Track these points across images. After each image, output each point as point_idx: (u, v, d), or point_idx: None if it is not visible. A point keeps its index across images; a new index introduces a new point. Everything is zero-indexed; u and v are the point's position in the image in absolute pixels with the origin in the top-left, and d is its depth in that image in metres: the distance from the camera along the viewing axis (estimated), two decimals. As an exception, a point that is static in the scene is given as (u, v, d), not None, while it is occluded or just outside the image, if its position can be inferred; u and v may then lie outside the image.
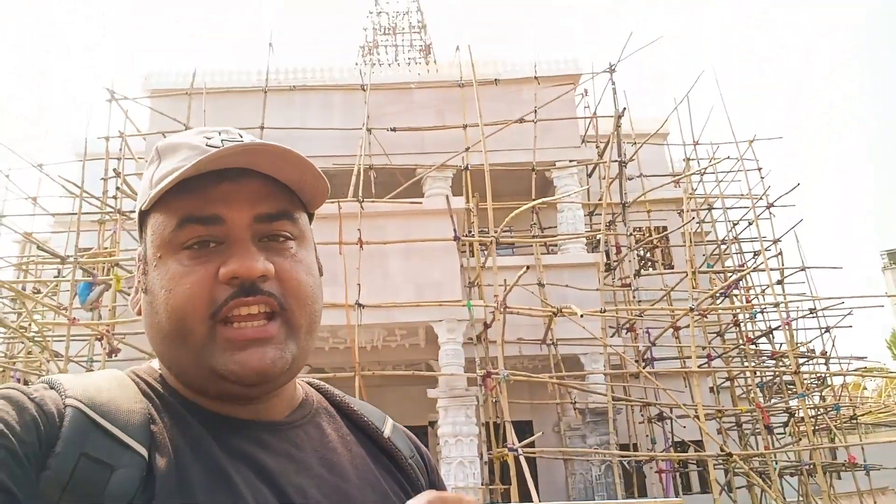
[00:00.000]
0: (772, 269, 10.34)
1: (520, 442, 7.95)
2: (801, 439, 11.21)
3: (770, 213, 11.58)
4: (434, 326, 8.98)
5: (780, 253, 11.85)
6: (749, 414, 10.62)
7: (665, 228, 13.68)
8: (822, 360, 11.84)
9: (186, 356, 0.74)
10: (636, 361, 10.10)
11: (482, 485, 8.49)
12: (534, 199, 10.53)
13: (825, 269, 11.82)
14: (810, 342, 12.50)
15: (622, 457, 9.25)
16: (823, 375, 12.12)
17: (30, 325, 10.58)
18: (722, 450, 8.77)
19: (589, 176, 12.79)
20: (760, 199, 11.54)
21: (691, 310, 9.13)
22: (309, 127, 11.13)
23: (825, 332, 11.79)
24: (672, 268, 13.46)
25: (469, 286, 9.71)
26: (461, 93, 11.35)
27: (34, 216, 12.28)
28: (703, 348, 10.83)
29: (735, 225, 12.92)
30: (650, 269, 13.85)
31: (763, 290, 12.13)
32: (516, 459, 7.73)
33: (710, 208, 13.24)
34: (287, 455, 0.76)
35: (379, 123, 11.16)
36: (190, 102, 11.06)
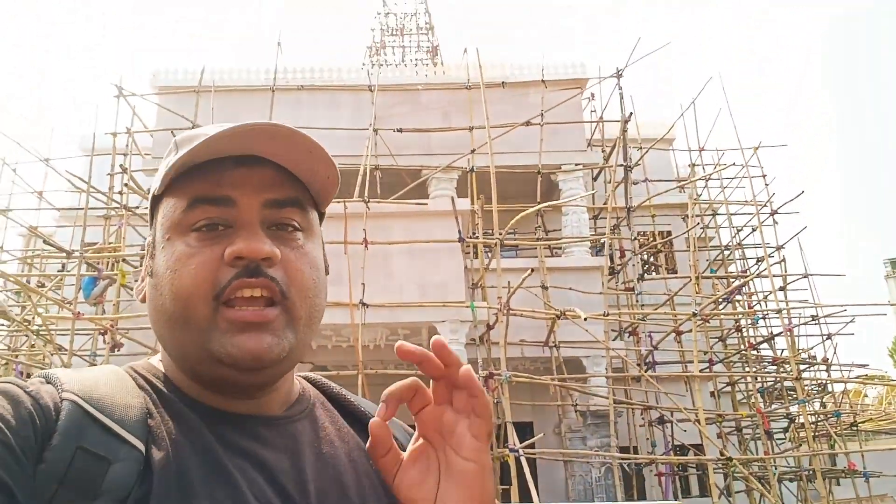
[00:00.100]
0: (774, 276, 10.35)
1: (520, 443, 7.99)
2: (801, 445, 11.22)
3: (774, 220, 11.60)
4: (437, 327, 9.02)
5: (784, 260, 11.86)
6: (749, 419, 10.63)
7: (669, 233, 13.72)
8: (824, 367, 11.85)
9: (187, 338, 0.74)
10: (638, 365, 10.13)
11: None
12: (539, 202, 10.57)
13: (828, 276, 11.82)
14: (812, 349, 12.52)
15: (622, 459, 9.27)
16: (824, 382, 12.13)
17: (34, 318, 10.65)
18: (722, 454, 8.80)
19: (594, 180, 12.82)
20: (764, 205, 11.56)
21: (694, 315, 9.16)
22: (316, 126, 11.14)
23: (827, 338, 11.80)
24: (675, 272, 13.50)
25: (473, 287, 9.75)
26: (468, 95, 11.39)
27: (40, 210, 12.35)
28: (705, 353, 10.86)
29: (739, 231, 12.94)
30: (653, 273, 13.88)
31: (766, 297, 12.14)
32: (517, 460, 7.77)
33: (715, 214, 13.26)
34: (285, 449, 0.77)
35: (386, 124, 11.20)
36: (198, 100, 11.11)
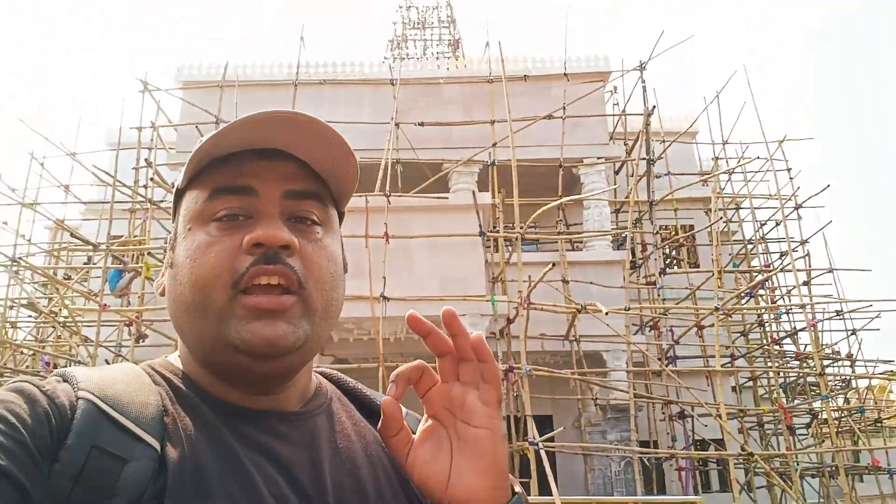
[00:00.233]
0: (798, 271, 10.25)
1: (540, 436, 8.00)
2: (823, 441, 11.13)
3: (798, 214, 11.48)
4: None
5: (808, 254, 11.75)
6: (771, 414, 10.56)
7: (692, 227, 13.62)
8: (848, 363, 11.74)
9: (205, 326, 0.74)
10: (659, 359, 10.09)
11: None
12: (560, 196, 10.54)
13: (853, 271, 11.72)
14: (836, 344, 12.40)
15: (642, 454, 9.26)
16: (849, 378, 12.02)
17: (60, 310, 10.83)
18: (743, 449, 8.76)
19: (616, 173, 12.77)
20: (789, 199, 11.44)
21: (716, 309, 9.10)
22: (337, 121, 11.20)
23: (851, 334, 11.69)
24: (697, 267, 13.41)
25: (493, 281, 9.77)
26: (490, 88, 11.38)
27: (66, 204, 12.52)
28: (727, 348, 10.79)
29: (762, 225, 12.83)
30: (675, 267, 13.80)
31: (789, 291, 12.04)
32: (536, 453, 7.79)
33: (738, 208, 13.16)
34: (302, 444, 0.76)
35: (407, 118, 11.22)
36: (221, 94, 11.19)
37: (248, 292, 0.73)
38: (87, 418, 0.64)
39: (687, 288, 11.09)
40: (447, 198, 9.93)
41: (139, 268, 9.72)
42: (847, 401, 12.61)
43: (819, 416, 11.19)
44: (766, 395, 12.10)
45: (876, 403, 13.55)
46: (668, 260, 13.60)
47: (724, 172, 12.30)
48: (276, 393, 0.79)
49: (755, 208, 12.59)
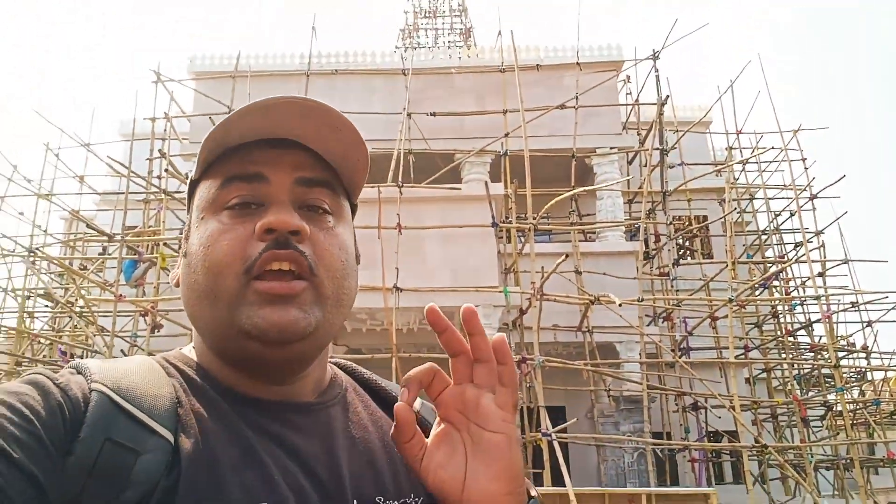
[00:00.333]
0: (813, 262, 10.17)
1: (553, 427, 8.01)
2: (838, 433, 11.07)
3: (813, 205, 11.39)
4: (470, 311, 9.03)
5: (823, 245, 11.67)
6: (785, 406, 10.52)
7: (705, 218, 13.55)
8: (863, 355, 11.67)
9: (217, 314, 0.74)
10: (672, 351, 10.06)
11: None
12: (573, 186, 10.52)
13: (869, 262, 11.60)
14: (851, 336, 12.32)
15: (655, 445, 9.25)
16: (864, 370, 11.94)
17: (77, 300, 10.92)
18: (757, 441, 8.73)
19: (629, 163, 12.70)
20: (804, 189, 11.35)
21: (730, 300, 9.06)
22: (350, 111, 11.19)
23: (867, 325, 11.60)
24: (711, 257, 13.35)
25: (506, 272, 9.76)
26: (502, 78, 11.34)
27: (81, 195, 12.61)
28: (741, 339, 10.74)
29: (777, 216, 12.74)
30: (689, 258, 13.74)
31: (804, 283, 11.96)
32: (549, 444, 7.79)
33: (752, 198, 13.06)
34: (318, 435, 0.77)
35: (419, 108, 11.20)
36: (234, 85, 11.23)
37: (261, 278, 0.73)
38: (101, 411, 0.64)
39: (700, 279, 11.05)
40: (459, 188, 9.92)
41: (154, 258, 9.78)
42: (862, 393, 12.54)
43: (834, 409, 11.12)
44: (780, 387, 12.04)
45: (891, 395, 13.46)
46: (682, 251, 13.52)
47: (738, 162, 12.21)
48: (291, 383, 0.79)
49: (769, 199, 12.50)
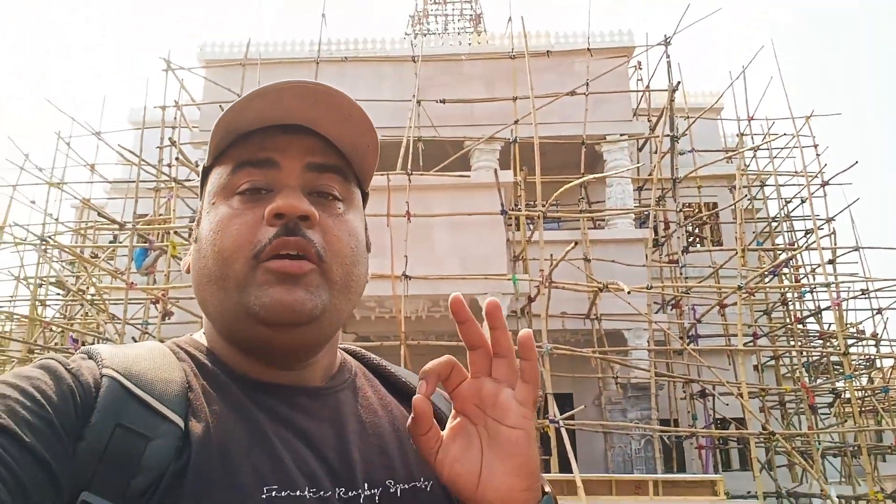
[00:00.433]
0: (824, 249, 10.13)
1: (561, 414, 8.04)
2: (846, 420, 11.07)
3: (824, 191, 11.33)
4: (478, 299, 9.04)
5: (834, 232, 11.61)
6: (793, 393, 10.51)
7: (715, 205, 13.51)
8: (873, 342, 11.64)
9: (225, 297, 0.74)
10: (680, 338, 10.07)
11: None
12: (583, 173, 10.49)
13: (881, 249, 11.57)
14: (861, 323, 12.28)
15: (662, 432, 9.28)
16: (873, 357, 11.91)
17: (88, 288, 11.01)
18: (764, 428, 8.74)
19: (640, 150, 12.66)
20: (815, 176, 11.28)
21: (739, 288, 9.04)
22: (359, 98, 10.97)
23: (877, 313, 11.57)
24: (721, 245, 13.31)
25: (514, 260, 9.77)
26: (512, 64, 11.30)
27: (92, 183, 12.68)
28: (750, 326, 10.73)
29: (787, 202, 12.68)
30: (698, 245, 13.71)
31: (814, 270, 11.92)
32: (557, 431, 7.83)
33: (763, 185, 13.00)
34: (328, 419, 0.77)
35: (428, 95, 11.18)
36: (244, 73, 11.24)
37: (270, 260, 0.74)
38: (111, 396, 0.65)
39: (710, 266, 11.02)
40: (469, 176, 9.91)
41: (165, 246, 9.83)
42: (871, 380, 12.52)
43: (842, 396, 11.12)
44: (789, 375, 12.03)
45: (901, 383, 13.42)
46: (691, 238, 13.50)
47: (749, 149, 12.14)
48: (300, 369, 0.79)
49: (780, 185, 12.44)
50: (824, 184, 11.32)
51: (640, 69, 12.63)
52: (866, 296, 11.37)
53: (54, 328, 11.09)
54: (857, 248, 11.39)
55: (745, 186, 11.69)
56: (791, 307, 11.58)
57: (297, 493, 0.68)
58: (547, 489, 0.76)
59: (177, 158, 10.35)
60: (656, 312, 10.25)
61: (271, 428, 0.72)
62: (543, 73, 11.27)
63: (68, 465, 0.60)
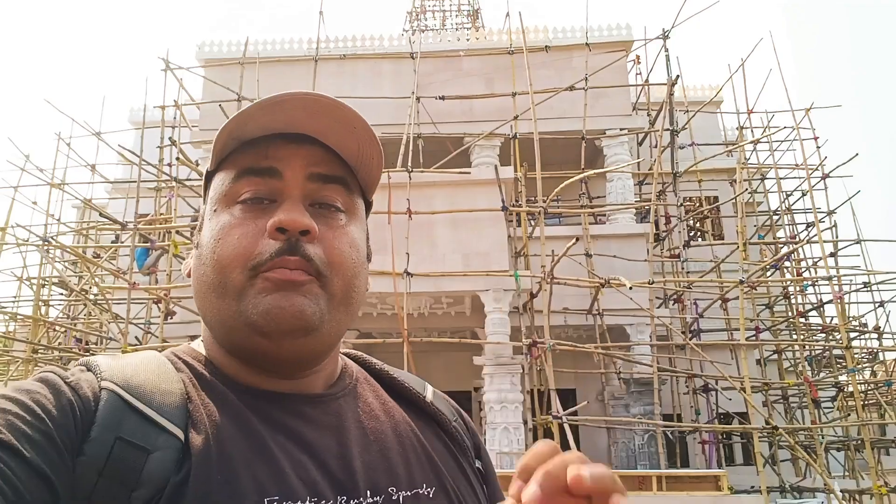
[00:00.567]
0: (825, 242, 10.12)
1: (564, 410, 8.05)
2: (849, 414, 11.07)
3: (825, 184, 11.31)
4: (480, 295, 9.07)
5: (835, 225, 11.60)
6: (796, 387, 10.52)
7: (716, 199, 13.50)
8: (875, 335, 11.63)
9: (224, 306, 0.74)
10: (683, 333, 10.07)
11: (526, 450, 8.63)
12: (583, 169, 10.49)
13: (882, 241, 11.53)
14: (863, 316, 12.28)
15: (666, 427, 9.28)
16: (876, 350, 11.91)
17: (91, 288, 11.02)
18: (767, 423, 8.74)
19: (640, 145, 12.65)
20: (816, 169, 11.26)
21: (741, 282, 9.04)
22: (358, 96, 11.20)
23: (879, 306, 11.56)
24: (722, 239, 13.31)
25: (516, 256, 9.77)
26: (510, 60, 11.29)
27: (93, 183, 12.68)
28: (752, 321, 10.73)
29: (788, 196, 12.66)
30: (700, 240, 13.70)
31: (815, 263, 11.91)
32: (560, 427, 7.84)
33: (764, 178, 12.98)
34: (329, 427, 0.76)
35: (427, 92, 11.18)
36: (242, 72, 11.23)
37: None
38: (111, 410, 0.64)
39: (711, 260, 11.02)
40: (469, 172, 9.91)
41: (166, 246, 9.84)
42: (874, 374, 12.52)
43: (845, 390, 11.11)
44: (791, 369, 12.03)
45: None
46: (693, 232, 13.49)
47: (749, 142, 12.13)
48: (300, 377, 0.78)
49: (781, 178, 12.42)
50: (825, 176, 11.30)
51: (639, 63, 12.62)
52: (868, 289, 11.37)
53: (58, 328, 11.11)
54: (858, 241, 11.38)
55: (745, 180, 11.69)
56: (793, 301, 11.57)
57: (298, 502, 0.67)
58: None
59: (177, 158, 10.34)
60: (658, 307, 10.25)
61: (271, 437, 0.71)
62: (542, 68, 11.27)
63: (68, 480, 0.59)
